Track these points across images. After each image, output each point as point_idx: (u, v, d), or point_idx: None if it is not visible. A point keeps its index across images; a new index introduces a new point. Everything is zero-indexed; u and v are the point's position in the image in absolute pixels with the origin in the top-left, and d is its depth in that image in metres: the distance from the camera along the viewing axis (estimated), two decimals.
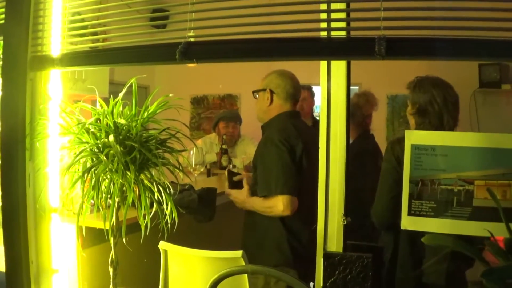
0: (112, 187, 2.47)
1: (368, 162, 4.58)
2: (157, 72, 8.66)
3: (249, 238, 3.89)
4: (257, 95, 3.98)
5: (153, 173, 2.55)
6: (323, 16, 2.51)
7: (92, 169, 2.44)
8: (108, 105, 2.54)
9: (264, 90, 3.90)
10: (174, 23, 2.93)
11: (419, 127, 3.29)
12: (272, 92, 3.86)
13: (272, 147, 3.71)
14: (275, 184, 3.63)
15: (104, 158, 2.41)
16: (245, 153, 6.99)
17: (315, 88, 6.00)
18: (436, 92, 3.26)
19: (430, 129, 3.21)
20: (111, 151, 2.40)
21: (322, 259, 2.54)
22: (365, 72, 5.25)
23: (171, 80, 8.05)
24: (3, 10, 3.09)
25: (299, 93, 3.98)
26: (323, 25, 2.52)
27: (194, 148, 4.97)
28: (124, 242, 2.56)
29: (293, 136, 3.68)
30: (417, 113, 3.31)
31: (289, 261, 3.66)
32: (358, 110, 4.90)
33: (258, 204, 3.72)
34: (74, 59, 2.98)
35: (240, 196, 3.86)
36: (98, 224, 2.94)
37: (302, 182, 3.65)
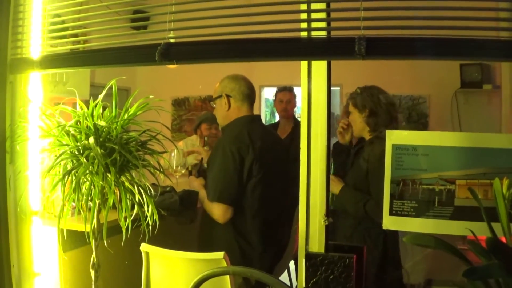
0: (92, 189, 2.46)
1: None
2: (138, 74, 8.62)
3: (203, 237, 3.99)
4: (214, 104, 4.07)
5: (133, 175, 2.54)
6: (304, 16, 2.51)
7: (73, 172, 2.43)
8: (88, 107, 2.53)
9: (220, 96, 3.97)
10: (154, 24, 2.92)
11: (373, 129, 3.61)
12: (228, 97, 3.94)
13: (220, 154, 3.82)
14: (214, 191, 3.77)
15: (85, 160, 2.40)
16: None
17: (295, 90, 6.02)
18: (382, 96, 3.60)
19: (382, 131, 3.39)
20: (92, 153, 2.39)
21: (304, 259, 2.54)
22: (347, 73, 5.27)
23: (152, 82, 8.00)
24: None
25: (254, 94, 4.06)
26: (304, 25, 2.52)
27: (175, 150, 4.94)
28: (106, 244, 2.54)
29: (245, 145, 3.74)
30: (370, 115, 3.61)
31: (238, 261, 3.67)
32: None
33: (207, 206, 3.85)
34: (54, 61, 2.97)
35: (203, 195, 3.97)
36: (79, 226, 2.92)
37: (257, 189, 3.75)
